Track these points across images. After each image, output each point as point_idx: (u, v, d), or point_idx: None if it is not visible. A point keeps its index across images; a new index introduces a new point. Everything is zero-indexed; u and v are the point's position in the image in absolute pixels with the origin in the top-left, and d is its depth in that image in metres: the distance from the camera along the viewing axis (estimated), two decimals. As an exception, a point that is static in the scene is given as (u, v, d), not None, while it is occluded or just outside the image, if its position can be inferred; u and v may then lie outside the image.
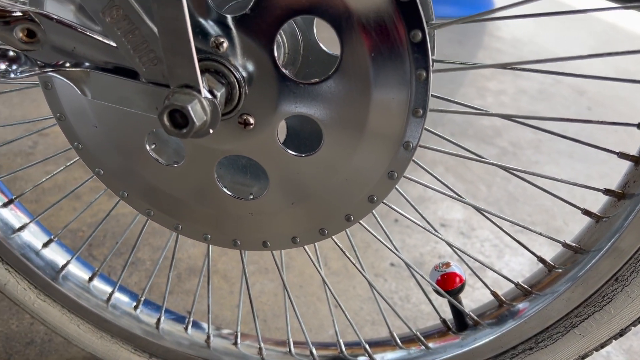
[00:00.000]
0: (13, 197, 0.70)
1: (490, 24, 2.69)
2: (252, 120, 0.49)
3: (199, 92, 0.43)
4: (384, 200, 0.52)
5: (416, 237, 1.13)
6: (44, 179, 0.70)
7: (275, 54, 0.46)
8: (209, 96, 0.43)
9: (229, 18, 0.45)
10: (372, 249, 1.08)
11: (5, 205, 0.69)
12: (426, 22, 0.43)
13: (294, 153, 0.50)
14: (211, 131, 0.44)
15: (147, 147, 0.53)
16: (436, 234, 0.59)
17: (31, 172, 1.20)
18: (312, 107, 0.47)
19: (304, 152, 0.60)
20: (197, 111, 0.42)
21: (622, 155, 0.52)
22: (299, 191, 0.52)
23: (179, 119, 0.42)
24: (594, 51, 2.40)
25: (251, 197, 0.60)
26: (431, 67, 0.44)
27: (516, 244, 0.78)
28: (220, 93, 0.45)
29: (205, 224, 0.58)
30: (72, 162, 0.66)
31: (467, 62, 0.52)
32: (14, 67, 0.45)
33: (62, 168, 0.68)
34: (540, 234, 0.59)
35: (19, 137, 0.72)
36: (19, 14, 0.44)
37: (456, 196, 0.60)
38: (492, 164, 0.57)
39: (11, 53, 0.45)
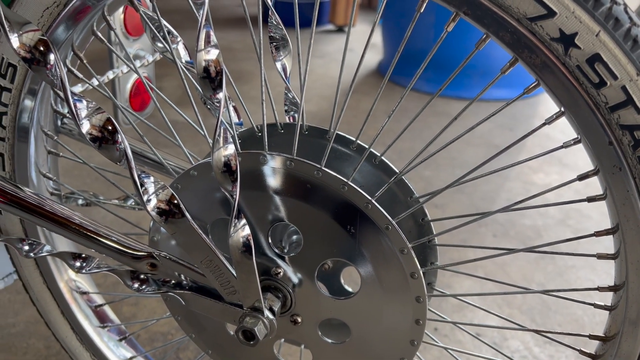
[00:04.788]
0: (127, 335, 0.93)
1: (542, 107, 2.81)
2: (299, 320, 0.69)
3: (262, 314, 0.63)
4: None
5: (452, 346, 1.28)
6: (152, 321, 0.92)
7: (316, 281, 0.66)
8: (270, 316, 0.64)
9: (286, 258, 0.66)
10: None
11: (120, 340, 0.92)
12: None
13: (331, 341, 0.69)
14: (270, 338, 0.64)
15: (228, 329, 0.74)
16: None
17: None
18: (342, 313, 0.66)
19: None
20: (261, 330, 0.62)
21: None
22: (335, 364, 0.71)
23: (249, 334, 0.63)
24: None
25: None
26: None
27: (544, 356, 0.90)
28: (277, 307, 0.66)
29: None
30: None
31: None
32: (144, 286, 0.68)
33: (164, 316, 0.91)
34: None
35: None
36: (145, 254, 0.66)
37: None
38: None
39: (142, 277, 0.68)
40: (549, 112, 2.78)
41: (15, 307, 1.30)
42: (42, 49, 0.54)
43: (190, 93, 0.67)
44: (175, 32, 0.75)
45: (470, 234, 1.74)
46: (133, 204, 0.89)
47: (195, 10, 0.56)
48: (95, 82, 0.87)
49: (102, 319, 0.91)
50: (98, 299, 0.91)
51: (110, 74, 0.94)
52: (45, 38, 0.54)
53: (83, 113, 0.57)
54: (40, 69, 0.55)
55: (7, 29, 0.54)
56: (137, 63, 1.01)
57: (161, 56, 0.94)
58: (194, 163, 0.68)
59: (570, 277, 1.56)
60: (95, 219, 0.69)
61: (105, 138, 0.57)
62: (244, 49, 3.91)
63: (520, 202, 0.62)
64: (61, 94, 0.57)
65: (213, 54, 0.52)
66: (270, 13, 0.69)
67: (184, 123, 0.68)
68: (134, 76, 1.09)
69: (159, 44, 0.75)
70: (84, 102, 0.57)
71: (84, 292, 0.89)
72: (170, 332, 1.26)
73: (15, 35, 0.54)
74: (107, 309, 0.92)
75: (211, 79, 0.52)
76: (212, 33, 0.52)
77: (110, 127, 0.57)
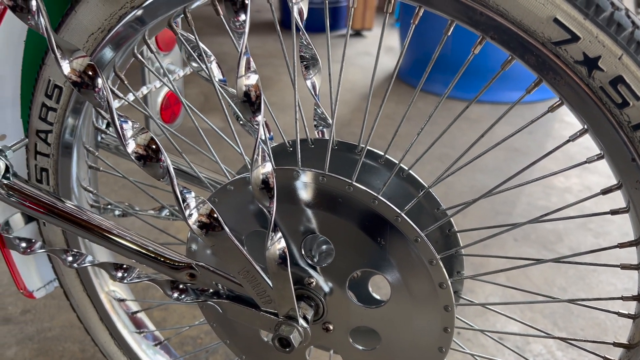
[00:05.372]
0: (162, 340, 0.96)
1: (562, 110, 2.80)
2: (331, 327, 0.71)
3: (297, 322, 0.66)
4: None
5: (476, 350, 1.30)
6: (186, 327, 0.96)
7: (347, 290, 0.69)
8: (304, 324, 0.67)
9: (318, 268, 0.69)
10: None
11: (156, 345, 0.96)
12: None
13: (361, 347, 0.72)
14: (304, 344, 0.67)
15: (262, 336, 0.78)
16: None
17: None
18: (372, 321, 0.69)
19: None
20: (296, 337, 0.65)
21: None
22: (365, 369, 0.74)
23: (285, 342, 0.66)
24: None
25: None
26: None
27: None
28: (310, 316, 0.69)
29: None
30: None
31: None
32: (183, 296, 0.71)
33: (196, 323, 0.94)
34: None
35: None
36: (184, 264, 0.69)
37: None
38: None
39: (181, 286, 0.71)
40: (568, 115, 2.77)
41: (51, 311, 1.35)
42: (90, 74, 0.58)
43: (226, 111, 0.70)
44: (209, 52, 0.78)
45: (492, 239, 1.75)
46: (168, 214, 0.93)
47: (234, 40, 0.59)
48: (131, 97, 0.91)
49: (138, 325, 0.95)
50: (133, 306, 0.95)
51: (145, 90, 0.98)
52: (93, 64, 0.58)
53: (129, 133, 0.60)
54: (89, 92, 0.58)
55: (59, 55, 0.57)
56: (170, 77, 1.05)
57: (191, 70, 0.98)
58: (229, 176, 0.72)
59: (592, 281, 1.57)
60: (124, 225, 0.72)
61: (149, 156, 0.60)
62: (264, 55, 3.95)
63: (547, 214, 0.64)
64: (107, 115, 0.60)
65: (253, 79, 0.55)
66: (300, 34, 0.72)
67: (208, 130, 0.71)
68: (165, 89, 1.13)
69: (194, 64, 0.79)
70: (129, 122, 0.61)
71: (121, 299, 0.92)
72: (200, 336, 1.29)
73: (66, 61, 0.58)
74: (143, 316, 0.96)
75: (251, 102, 0.55)
76: (251, 60, 0.55)
77: (154, 146, 0.60)
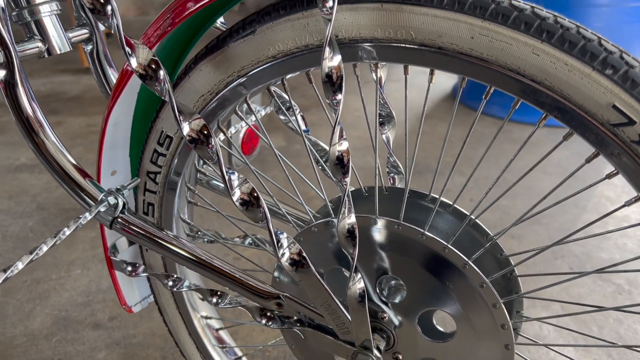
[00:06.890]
0: (241, 355, 1.07)
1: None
2: (400, 357, 0.80)
3: (372, 352, 0.75)
4: None
5: (529, 378, 1.35)
6: (260, 345, 1.06)
7: (416, 325, 0.77)
8: (377, 354, 0.76)
9: (389, 304, 0.77)
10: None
11: (236, 359, 1.07)
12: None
13: (426, 377, 0.81)
14: (377, 373, 0.76)
15: (334, 358, 0.87)
16: None
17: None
18: (438, 354, 0.77)
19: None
20: (371, 366, 0.74)
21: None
22: (429, 395, 0.82)
23: (361, 370, 0.75)
24: None
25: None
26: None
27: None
28: (382, 346, 0.78)
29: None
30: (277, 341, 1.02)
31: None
32: (270, 322, 0.81)
33: (269, 344, 1.04)
34: None
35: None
36: (273, 294, 0.79)
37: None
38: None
39: (269, 313, 0.81)
40: (629, 139, 2.75)
41: (134, 319, 1.49)
42: (205, 133, 0.69)
43: (311, 158, 0.80)
44: (295, 105, 0.89)
45: (546, 266, 1.79)
46: (250, 242, 1.04)
47: (327, 112, 0.69)
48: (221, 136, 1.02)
49: (221, 340, 1.06)
50: (216, 324, 1.06)
51: (233, 130, 1.10)
52: (207, 124, 0.69)
53: (234, 184, 0.71)
54: (202, 148, 0.69)
55: (181, 119, 0.69)
56: (252, 117, 1.16)
57: (272, 109, 1.09)
58: (312, 217, 0.82)
59: (649, 314, 1.58)
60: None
61: (251, 203, 0.71)
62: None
63: (612, 266, 0.70)
64: (216, 168, 0.71)
65: (344, 146, 0.64)
66: (379, 94, 0.81)
67: (269, 149, 0.80)
68: (246, 126, 1.24)
69: (282, 116, 0.89)
70: (235, 174, 0.71)
71: (207, 317, 1.04)
72: (268, 350, 1.40)
73: (186, 122, 0.69)
74: (224, 333, 1.07)
75: (342, 165, 0.65)
76: (344, 130, 0.64)
77: (255, 194, 0.71)
